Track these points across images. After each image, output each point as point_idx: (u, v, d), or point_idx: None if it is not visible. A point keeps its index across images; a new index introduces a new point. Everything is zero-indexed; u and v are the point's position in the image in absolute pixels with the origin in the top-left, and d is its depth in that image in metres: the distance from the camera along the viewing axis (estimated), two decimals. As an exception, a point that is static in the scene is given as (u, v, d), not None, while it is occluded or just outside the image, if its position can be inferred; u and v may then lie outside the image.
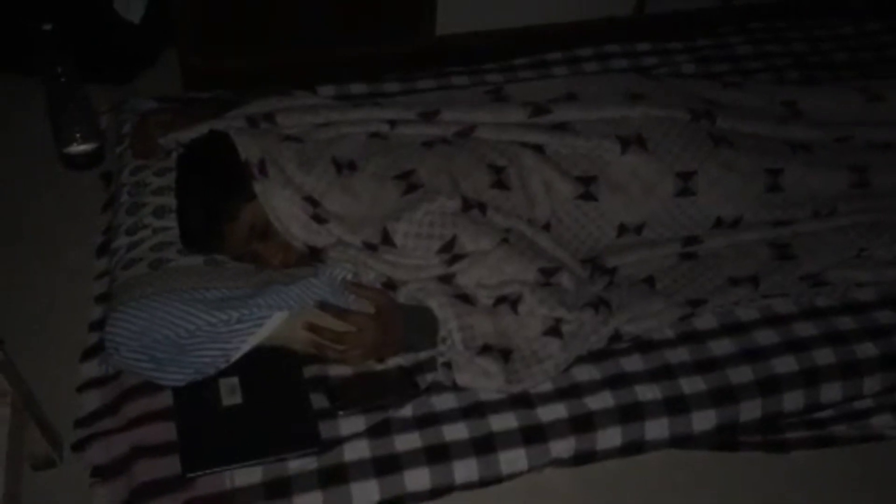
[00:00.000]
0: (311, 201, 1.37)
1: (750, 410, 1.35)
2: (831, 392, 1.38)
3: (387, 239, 1.35)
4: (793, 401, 1.37)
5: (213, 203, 1.34)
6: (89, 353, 1.41)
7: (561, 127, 1.52)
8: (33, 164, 1.89)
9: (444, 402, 1.31)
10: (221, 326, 1.27)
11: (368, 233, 1.36)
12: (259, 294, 1.30)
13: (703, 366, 1.38)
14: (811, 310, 1.47)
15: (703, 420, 1.33)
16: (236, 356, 1.28)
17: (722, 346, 1.41)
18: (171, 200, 1.45)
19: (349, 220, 1.38)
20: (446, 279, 1.36)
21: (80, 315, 1.50)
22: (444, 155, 1.44)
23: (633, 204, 1.49)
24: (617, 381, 1.35)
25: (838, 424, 1.43)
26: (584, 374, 1.35)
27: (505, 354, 1.33)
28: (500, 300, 1.36)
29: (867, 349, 1.41)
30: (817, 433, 1.41)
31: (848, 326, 1.44)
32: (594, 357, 1.38)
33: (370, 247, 1.36)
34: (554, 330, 1.34)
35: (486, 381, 1.31)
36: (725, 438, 1.38)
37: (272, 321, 1.28)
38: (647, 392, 1.34)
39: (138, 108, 1.72)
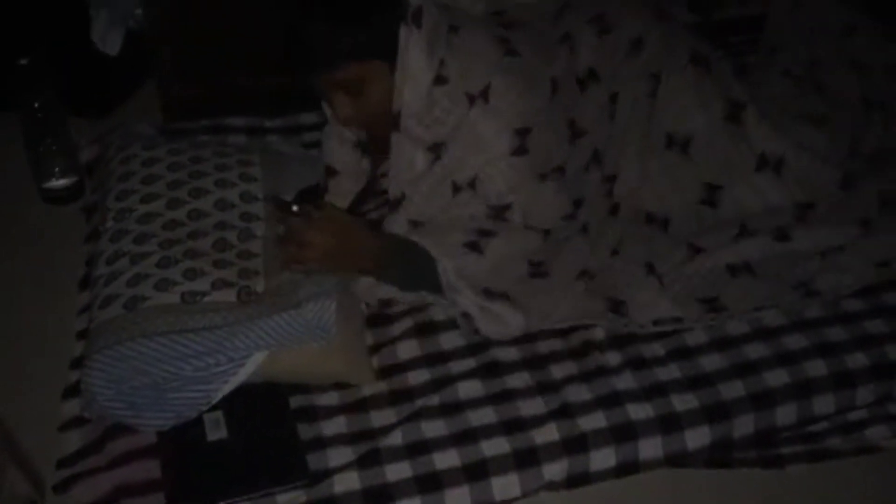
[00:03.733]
0: (441, 63, 1.34)
1: (743, 426, 1.34)
2: (824, 404, 1.37)
3: (485, 93, 1.34)
4: (786, 414, 1.36)
5: (370, 33, 1.27)
6: (71, 391, 1.38)
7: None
8: (13, 200, 1.87)
9: (434, 428, 1.29)
10: (200, 371, 1.25)
11: (474, 82, 1.35)
12: (237, 334, 1.27)
13: (695, 382, 1.36)
14: (801, 321, 1.46)
15: (697, 437, 1.32)
16: (218, 397, 1.26)
17: (712, 362, 1.39)
18: (154, 227, 1.43)
19: (462, 70, 1.36)
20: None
21: (62, 351, 1.47)
22: (527, 33, 1.45)
23: (685, 114, 1.53)
24: (609, 401, 1.33)
25: (833, 437, 1.41)
26: (576, 394, 1.34)
27: (505, 297, 1.36)
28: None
29: (858, 359, 1.40)
30: (812, 447, 1.40)
31: (838, 337, 1.43)
32: (585, 377, 1.36)
33: (470, 98, 1.34)
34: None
35: (505, 328, 1.36)
36: (720, 455, 1.36)
37: (253, 360, 1.27)
38: (640, 411, 1.32)
39: (130, 134, 1.70)
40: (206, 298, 1.33)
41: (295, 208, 1.32)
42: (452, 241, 1.38)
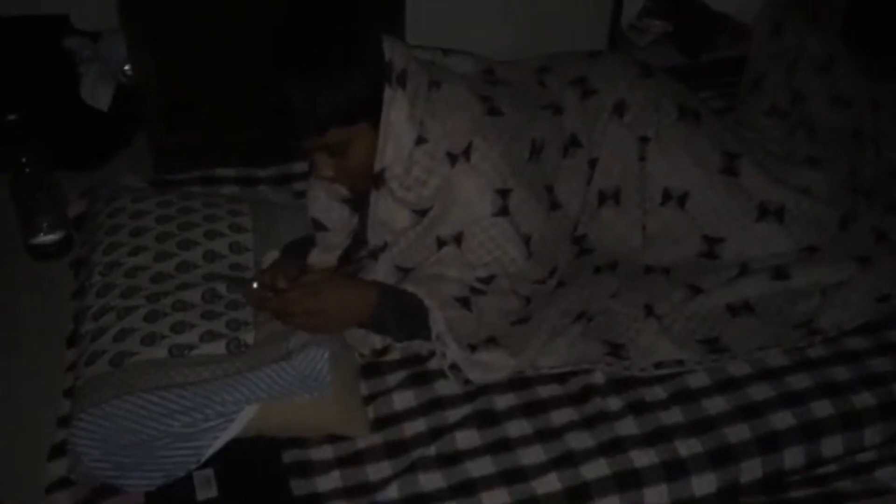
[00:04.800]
0: (421, 123, 1.34)
1: (751, 470, 1.30)
2: (832, 445, 1.34)
3: (467, 152, 1.33)
4: (794, 457, 1.32)
5: (350, 96, 1.24)
6: (58, 451, 1.33)
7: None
8: (1, 256, 1.85)
9: (431, 481, 1.25)
10: (189, 427, 1.21)
11: (455, 141, 1.34)
12: (227, 388, 1.24)
13: (699, 426, 1.33)
14: (804, 361, 1.43)
15: (704, 483, 1.28)
16: (208, 454, 1.22)
17: (716, 404, 1.36)
18: (142, 281, 1.41)
19: (443, 128, 1.35)
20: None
21: (50, 410, 1.43)
22: (511, 92, 1.45)
23: (680, 170, 1.52)
24: (611, 447, 1.29)
25: (842, 480, 1.38)
26: (577, 441, 1.30)
27: (491, 342, 1.37)
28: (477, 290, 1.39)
29: (865, 399, 1.37)
30: (821, 490, 1.36)
31: (844, 376, 1.41)
32: (586, 423, 1.33)
33: (452, 158, 1.34)
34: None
35: (495, 373, 1.35)
36: (728, 502, 1.32)
37: (244, 415, 1.24)
38: (644, 457, 1.28)
39: (118, 188, 1.68)
40: (195, 351, 1.30)
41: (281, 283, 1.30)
42: (445, 293, 1.37)
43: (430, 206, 1.37)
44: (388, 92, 1.30)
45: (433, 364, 1.41)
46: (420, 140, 1.34)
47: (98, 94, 2.04)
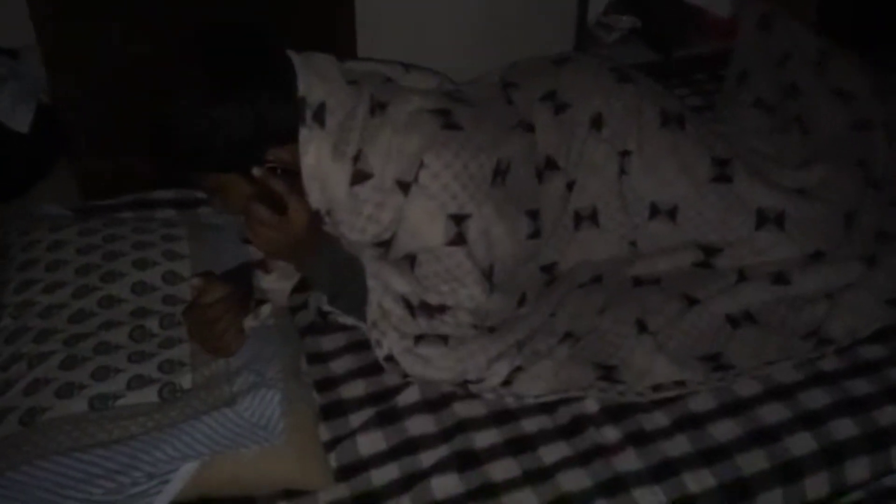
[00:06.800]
0: (356, 158, 1.22)
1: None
2: (858, 469, 1.21)
3: (417, 175, 1.21)
4: (816, 486, 1.19)
5: (269, 119, 1.14)
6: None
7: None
8: None
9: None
10: (113, 494, 1.05)
11: (405, 166, 1.22)
12: (159, 444, 1.08)
13: (708, 456, 1.20)
14: (817, 375, 1.31)
15: (719, 522, 1.14)
16: (140, 523, 1.06)
17: (725, 430, 1.24)
18: (58, 322, 1.25)
19: (387, 155, 1.23)
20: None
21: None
22: (476, 111, 1.31)
23: (666, 182, 1.41)
24: (611, 486, 1.16)
25: (871, 508, 1.24)
26: (571, 480, 1.17)
27: (444, 339, 1.26)
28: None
29: (889, 414, 1.25)
30: (850, 522, 1.22)
31: (863, 390, 1.28)
32: (580, 459, 1.19)
33: (404, 186, 1.21)
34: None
35: (438, 373, 1.25)
36: (747, 541, 1.17)
37: (182, 474, 1.08)
38: (649, 496, 1.15)
39: (36, 217, 1.50)
40: (121, 401, 1.14)
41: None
42: (392, 283, 1.26)
43: (390, 237, 1.26)
44: (302, 133, 1.18)
45: (404, 400, 1.27)
46: (362, 176, 1.22)
47: (17, 115, 1.88)
